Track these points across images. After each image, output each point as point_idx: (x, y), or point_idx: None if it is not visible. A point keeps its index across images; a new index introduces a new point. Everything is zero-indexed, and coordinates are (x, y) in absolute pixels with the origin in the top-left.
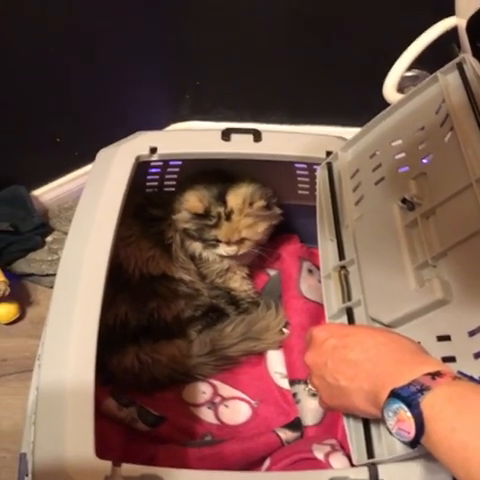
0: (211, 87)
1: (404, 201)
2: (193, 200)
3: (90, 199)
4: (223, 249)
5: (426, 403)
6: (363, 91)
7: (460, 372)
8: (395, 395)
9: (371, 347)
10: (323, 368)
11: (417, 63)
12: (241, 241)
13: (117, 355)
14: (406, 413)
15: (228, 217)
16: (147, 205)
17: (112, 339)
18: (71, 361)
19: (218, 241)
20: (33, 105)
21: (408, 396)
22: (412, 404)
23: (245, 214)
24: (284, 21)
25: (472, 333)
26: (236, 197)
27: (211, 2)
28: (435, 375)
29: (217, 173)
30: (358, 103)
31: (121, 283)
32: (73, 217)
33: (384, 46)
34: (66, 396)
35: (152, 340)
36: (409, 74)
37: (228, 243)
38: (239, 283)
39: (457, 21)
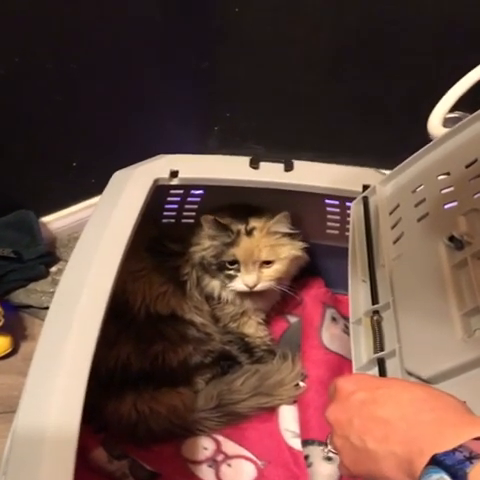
0: (241, 120)
1: (452, 239)
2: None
3: (98, 223)
4: (242, 279)
5: (475, 474)
6: (403, 132)
7: None
8: (436, 462)
9: (407, 403)
10: (348, 427)
11: (461, 107)
12: (261, 269)
13: (114, 402)
14: None
15: (249, 233)
16: (163, 238)
17: (111, 383)
18: (55, 404)
19: (237, 269)
20: (50, 126)
21: (453, 465)
22: (458, 475)
23: (267, 231)
24: (320, 56)
25: None
26: (258, 219)
27: (246, 33)
28: None
29: (241, 207)
30: (396, 145)
31: (126, 321)
32: (77, 241)
33: (426, 86)
34: (44, 445)
35: (153, 387)
36: (452, 115)
37: (246, 266)
38: (254, 329)
39: None
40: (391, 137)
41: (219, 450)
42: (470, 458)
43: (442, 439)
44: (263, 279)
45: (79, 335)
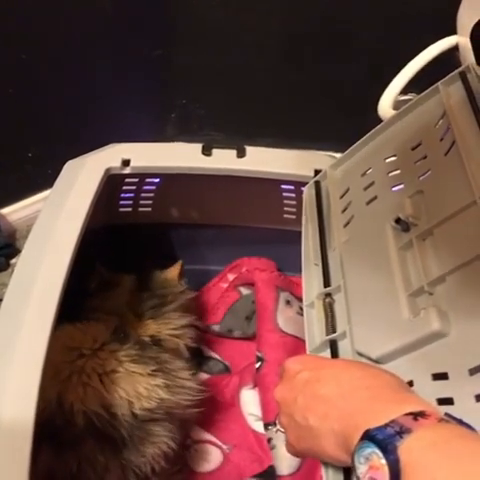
0: (199, 107)
1: (398, 221)
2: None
3: (51, 212)
4: None
5: (404, 448)
6: (358, 116)
7: (447, 414)
8: (369, 437)
9: (346, 382)
10: (292, 405)
11: (415, 89)
12: None
13: None
14: (380, 460)
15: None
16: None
17: None
18: (9, 394)
19: None
20: (2, 119)
21: (384, 439)
22: (388, 449)
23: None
24: (272, 42)
25: (473, 371)
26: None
27: (198, 20)
28: (418, 415)
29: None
30: (352, 129)
31: None
32: (30, 233)
33: (380, 69)
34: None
35: None
36: (406, 98)
37: None
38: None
39: (459, 39)
40: (347, 121)
41: (186, 435)
42: (400, 433)
43: (375, 415)
44: None
45: (33, 324)
